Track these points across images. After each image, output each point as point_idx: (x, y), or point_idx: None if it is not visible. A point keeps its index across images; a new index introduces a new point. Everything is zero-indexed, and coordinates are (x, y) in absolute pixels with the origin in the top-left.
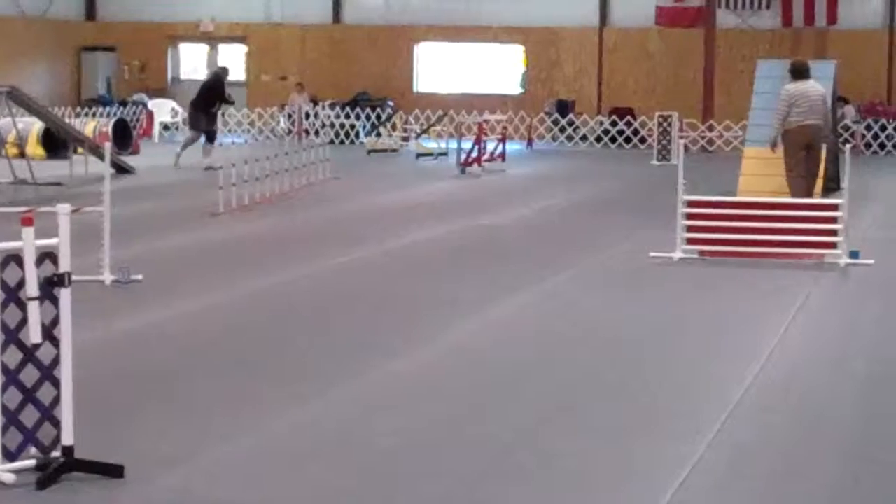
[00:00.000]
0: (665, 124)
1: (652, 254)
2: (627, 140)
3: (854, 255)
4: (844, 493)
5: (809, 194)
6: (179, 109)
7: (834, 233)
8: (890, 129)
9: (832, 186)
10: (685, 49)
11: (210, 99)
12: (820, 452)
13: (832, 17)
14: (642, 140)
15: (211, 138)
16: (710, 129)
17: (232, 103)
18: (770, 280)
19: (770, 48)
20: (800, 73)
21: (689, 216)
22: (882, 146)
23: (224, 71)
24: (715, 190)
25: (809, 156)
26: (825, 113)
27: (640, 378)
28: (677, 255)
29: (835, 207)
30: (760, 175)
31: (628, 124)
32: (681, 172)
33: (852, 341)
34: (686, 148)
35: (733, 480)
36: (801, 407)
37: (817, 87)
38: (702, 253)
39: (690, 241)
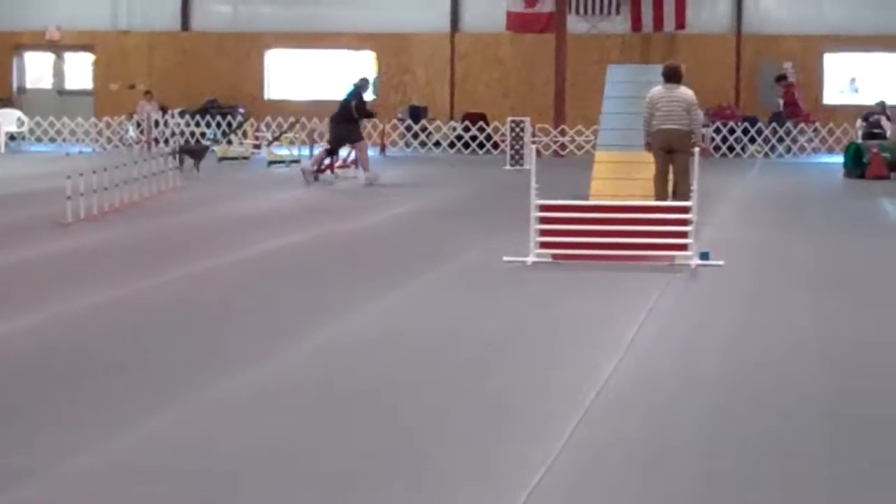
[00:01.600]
0: (517, 129)
1: (506, 258)
2: (481, 145)
3: (704, 256)
4: (697, 491)
5: (666, 196)
6: (25, 119)
7: (684, 235)
8: (738, 132)
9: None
10: (536, 54)
11: (352, 112)
12: (672, 451)
13: (681, 22)
14: (495, 145)
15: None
16: (563, 133)
17: (373, 116)
18: (622, 282)
19: (621, 53)
20: (668, 77)
21: (542, 220)
22: (731, 149)
23: (364, 83)
24: (567, 194)
25: (673, 159)
26: (690, 118)
27: (495, 380)
28: (531, 259)
29: (685, 210)
30: (612, 179)
31: (481, 130)
32: (533, 177)
33: (702, 341)
34: (538, 153)
35: (587, 481)
36: (653, 407)
37: (683, 92)
38: (555, 257)
39: (543, 245)
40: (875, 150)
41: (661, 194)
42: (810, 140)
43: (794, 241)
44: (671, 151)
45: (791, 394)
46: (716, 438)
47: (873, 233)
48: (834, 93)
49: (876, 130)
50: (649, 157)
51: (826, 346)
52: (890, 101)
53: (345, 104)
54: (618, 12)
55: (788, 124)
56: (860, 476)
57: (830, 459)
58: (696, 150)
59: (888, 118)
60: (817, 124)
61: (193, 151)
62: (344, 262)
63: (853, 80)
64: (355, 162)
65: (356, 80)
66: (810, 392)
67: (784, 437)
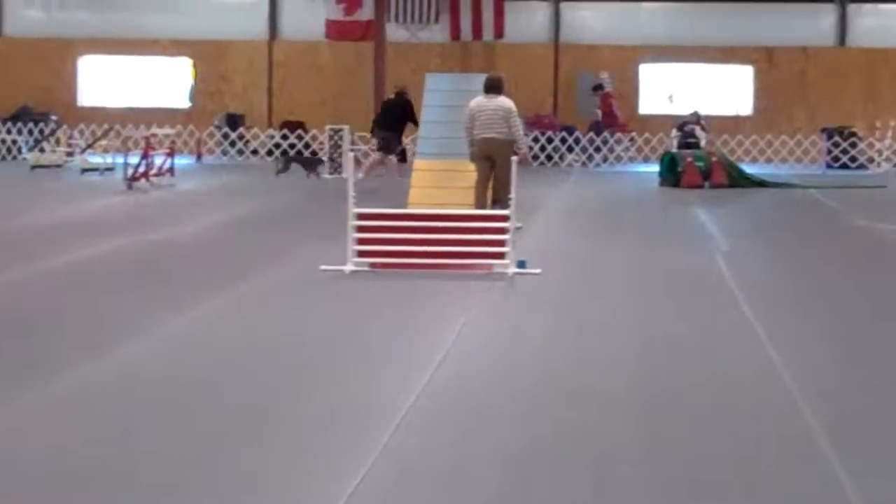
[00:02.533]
0: (336, 137)
1: (323, 267)
2: (299, 153)
3: (521, 265)
4: (510, 498)
5: (486, 204)
6: None
7: (502, 243)
8: (556, 141)
9: (496, 198)
10: (356, 62)
11: (401, 120)
12: (486, 458)
13: (499, 32)
14: (314, 153)
15: (403, 158)
16: None
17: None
18: (440, 291)
19: (440, 62)
20: (488, 88)
21: (360, 229)
22: (549, 158)
23: (406, 91)
24: (387, 202)
25: (493, 167)
26: (509, 127)
27: (311, 391)
28: (349, 267)
29: (503, 219)
30: (431, 187)
31: (299, 138)
32: (350, 185)
33: (518, 349)
34: (357, 161)
35: (403, 488)
36: (468, 414)
37: (502, 101)
38: (373, 265)
39: (361, 254)
40: (689, 159)
41: (480, 202)
42: (627, 149)
43: (611, 249)
44: (491, 160)
45: (603, 399)
46: (528, 445)
47: (687, 240)
48: (650, 103)
49: (690, 140)
50: (469, 166)
51: (638, 351)
52: (704, 111)
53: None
54: (437, 21)
55: (606, 134)
56: (672, 479)
57: (642, 463)
58: (515, 158)
59: (702, 128)
60: (634, 134)
61: None
62: (152, 274)
63: (671, 96)
64: (170, 170)
65: (399, 88)
66: (622, 397)
67: (596, 442)
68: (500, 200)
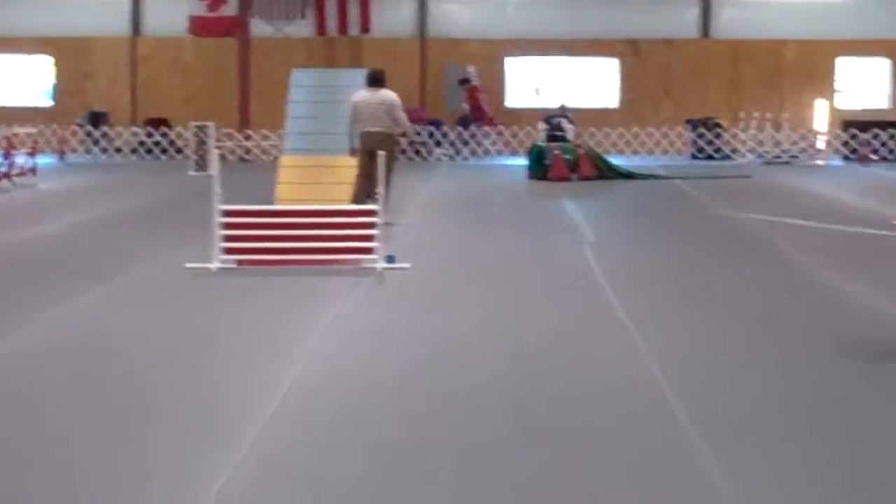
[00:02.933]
0: (201, 134)
1: (189, 265)
2: (164, 151)
3: (390, 259)
4: (377, 493)
5: (367, 196)
6: None
7: (370, 238)
8: (424, 136)
9: (368, 192)
10: (220, 58)
11: None
12: (355, 451)
13: (365, 26)
14: (179, 150)
15: None
16: (248, 138)
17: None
18: (308, 287)
19: (307, 57)
20: (371, 81)
21: (226, 226)
22: (417, 152)
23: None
24: (253, 199)
25: (373, 162)
26: (393, 120)
27: (176, 390)
28: (215, 265)
29: (371, 213)
30: (297, 183)
31: (164, 135)
32: (216, 182)
33: (386, 343)
34: (223, 157)
35: (269, 486)
36: (335, 410)
37: (385, 94)
38: (240, 262)
39: (228, 251)
40: (557, 151)
41: (360, 196)
42: (494, 143)
43: (480, 241)
44: (374, 153)
45: (470, 392)
46: (399, 436)
47: (555, 231)
48: (517, 96)
49: (558, 133)
50: (338, 161)
51: (505, 343)
52: (571, 104)
53: None
54: (303, 16)
55: (473, 127)
56: (539, 472)
57: (508, 457)
58: (382, 153)
59: (569, 120)
60: (501, 127)
61: None
62: (14, 275)
63: (538, 89)
64: (32, 170)
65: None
66: (488, 389)
67: (462, 435)
68: (382, 192)
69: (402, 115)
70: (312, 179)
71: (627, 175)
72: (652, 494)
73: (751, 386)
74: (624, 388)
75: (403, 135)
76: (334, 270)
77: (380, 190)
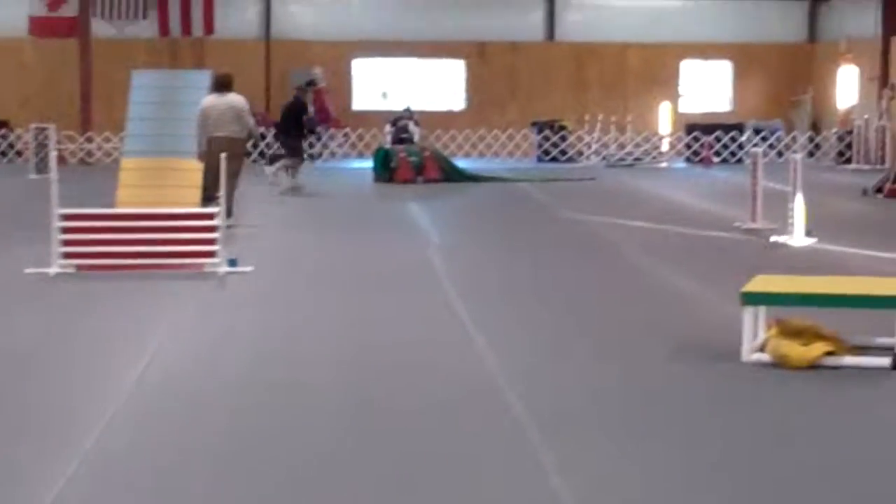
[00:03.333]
0: (42, 137)
1: (27, 270)
2: (3, 154)
3: (232, 263)
4: (218, 497)
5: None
6: None
7: (212, 242)
8: (270, 138)
9: (209, 195)
10: (61, 59)
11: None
12: (192, 458)
13: (209, 27)
14: (19, 153)
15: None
16: (89, 140)
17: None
18: (148, 292)
19: (149, 58)
20: (219, 85)
21: (66, 230)
22: (262, 154)
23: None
24: (95, 202)
25: (228, 164)
26: (240, 125)
27: (11, 396)
28: (54, 270)
29: (211, 217)
30: (139, 186)
31: (4, 137)
32: (55, 185)
33: (226, 347)
34: (63, 160)
35: (106, 491)
36: (175, 415)
37: (233, 99)
38: (80, 267)
39: (67, 256)
40: (403, 154)
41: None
42: (341, 145)
43: (324, 244)
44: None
45: (311, 395)
46: (234, 444)
47: (400, 234)
48: (364, 98)
49: (404, 135)
50: (180, 164)
51: (347, 346)
52: (417, 107)
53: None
54: (145, 17)
55: (319, 130)
56: (381, 475)
57: (350, 460)
58: (224, 156)
59: (415, 123)
60: (348, 129)
61: None
62: None
63: (385, 92)
64: None
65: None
66: (330, 393)
67: (303, 438)
68: (228, 198)
69: (251, 120)
70: (154, 182)
71: (473, 178)
72: (489, 495)
73: (589, 385)
74: (463, 390)
75: (252, 139)
76: (175, 274)
77: (220, 193)
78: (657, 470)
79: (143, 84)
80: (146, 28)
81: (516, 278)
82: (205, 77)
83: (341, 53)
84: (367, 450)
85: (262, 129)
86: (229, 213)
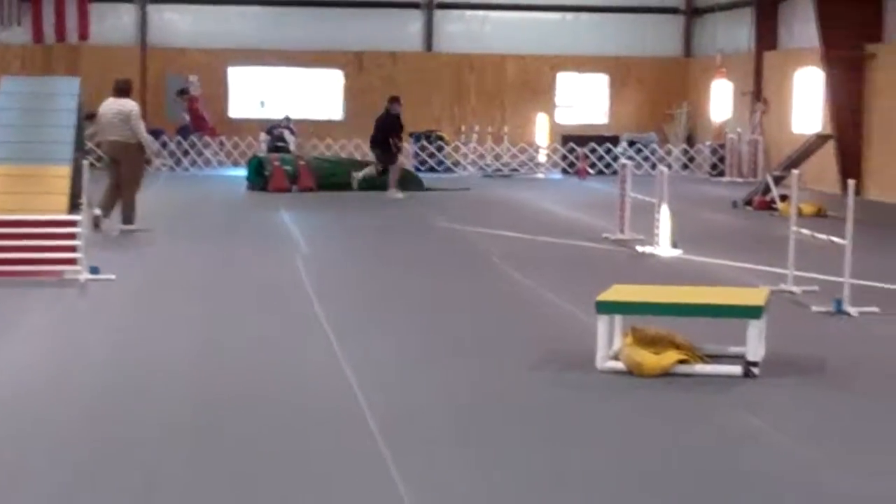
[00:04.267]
0: None
1: None
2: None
3: (94, 270)
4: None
5: (113, 205)
6: None
7: (73, 249)
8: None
9: (75, 203)
10: None
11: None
12: (41, 467)
13: (84, 33)
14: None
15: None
16: None
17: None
18: (6, 299)
19: (22, 64)
20: (118, 90)
21: None
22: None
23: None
24: None
25: (118, 169)
26: (130, 129)
27: None
28: None
29: (73, 224)
30: (5, 193)
31: None
32: None
33: (82, 356)
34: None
35: None
36: (26, 424)
37: (123, 104)
38: None
39: None
40: (277, 163)
41: (107, 205)
42: (216, 153)
43: (191, 252)
44: (117, 162)
45: (162, 404)
46: (84, 452)
47: (270, 243)
48: (240, 106)
49: (280, 144)
50: (47, 171)
51: (206, 355)
52: (295, 115)
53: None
54: (19, 23)
55: (194, 137)
56: (230, 479)
57: (193, 464)
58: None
59: (292, 132)
60: (223, 137)
61: None
62: None
63: (262, 101)
64: None
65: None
66: (183, 403)
67: (151, 448)
68: (126, 202)
69: (140, 126)
70: (21, 189)
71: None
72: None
73: (446, 394)
74: (320, 398)
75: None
76: (35, 282)
77: (83, 200)
78: (508, 478)
79: (11, 90)
80: (20, 34)
81: (384, 288)
82: (74, 84)
83: (218, 61)
84: (218, 454)
85: (164, 138)
86: (130, 220)
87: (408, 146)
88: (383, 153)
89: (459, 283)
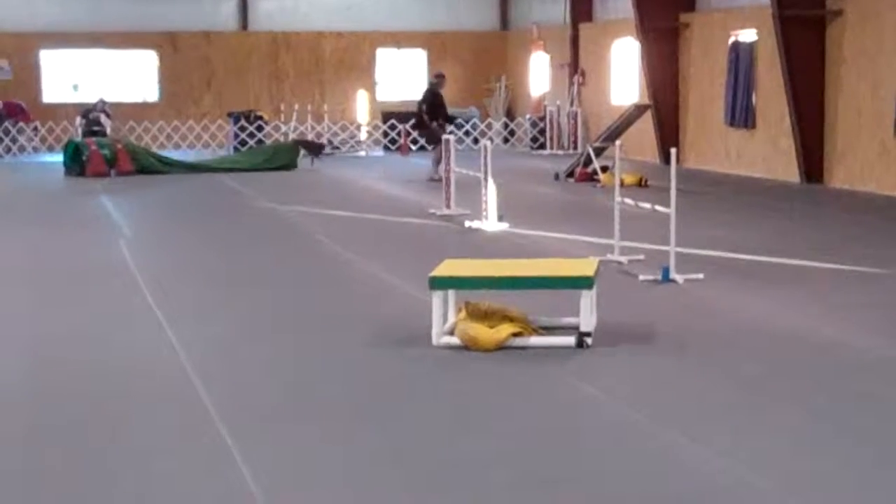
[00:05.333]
0: None
1: None
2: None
3: None
4: None
5: None
6: None
7: None
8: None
9: None
10: None
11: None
12: None
13: None
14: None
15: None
16: None
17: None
18: None
19: None
20: None
21: None
22: None
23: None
24: None
25: None
26: None
27: None
28: None
29: None
30: None
31: None
32: None
33: None
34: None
35: None
36: None
37: None
38: None
39: None
40: (94, 147)
41: None
42: (31, 139)
43: (12, 240)
44: None
45: None
46: None
47: (91, 228)
48: (54, 91)
49: (96, 128)
50: None
51: (33, 344)
52: (110, 98)
53: (418, 108)
54: None
55: (7, 124)
56: (63, 470)
57: (30, 457)
58: None
59: (108, 115)
60: (37, 123)
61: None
62: None
63: (76, 84)
64: None
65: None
66: (12, 391)
67: None
68: None
69: None
70: None
71: (171, 165)
72: (181, 487)
73: (280, 372)
74: (151, 381)
75: None
76: None
77: None
78: (347, 453)
79: None
80: None
81: (211, 269)
82: None
83: (29, 45)
84: (49, 444)
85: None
86: None
87: (229, 126)
88: (423, 132)
89: (288, 262)
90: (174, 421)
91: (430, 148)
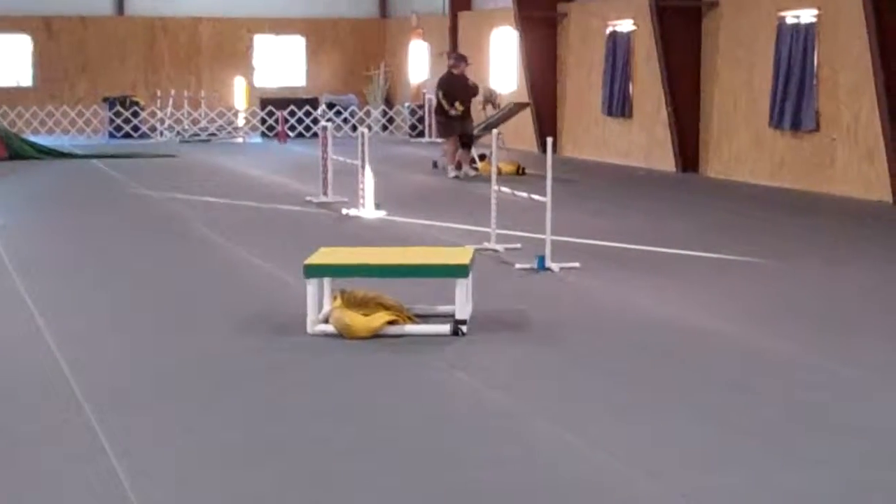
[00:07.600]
0: None
1: None
2: None
3: None
4: None
5: None
6: None
7: None
8: None
9: None
10: None
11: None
12: None
13: None
14: None
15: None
16: None
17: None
18: None
19: None
20: None
21: None
22: None
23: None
24: None
25: None
26: None
27: None
28: None
29: None
30: None
31: None
32: None
33: None
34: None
35: None
36: None
37: None
38: None
39: None
40: None
41: None
42: None
43: None
44: None
45: None
46: None
47: None
48: None
49: None
50: None
51: None
52: None
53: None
54: None
55: None
56: None
57: None
58: None
59: None
60: None
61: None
62: None
63: None
64: None
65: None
66: None
67: None
68: None
69: None
70: None
71: (45, 153)
72: (48, 477)
73: (151, 361)
74: (21, 369)
75: None
76: None
77: None
78: (223, 443)
79: None
80: None
81: (83, 256)
82: None
83: None
84: None
85: None
86: None
87: (104, 112)
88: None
89: (161, 249)
90: (45, 413)
91: (440, 141)
